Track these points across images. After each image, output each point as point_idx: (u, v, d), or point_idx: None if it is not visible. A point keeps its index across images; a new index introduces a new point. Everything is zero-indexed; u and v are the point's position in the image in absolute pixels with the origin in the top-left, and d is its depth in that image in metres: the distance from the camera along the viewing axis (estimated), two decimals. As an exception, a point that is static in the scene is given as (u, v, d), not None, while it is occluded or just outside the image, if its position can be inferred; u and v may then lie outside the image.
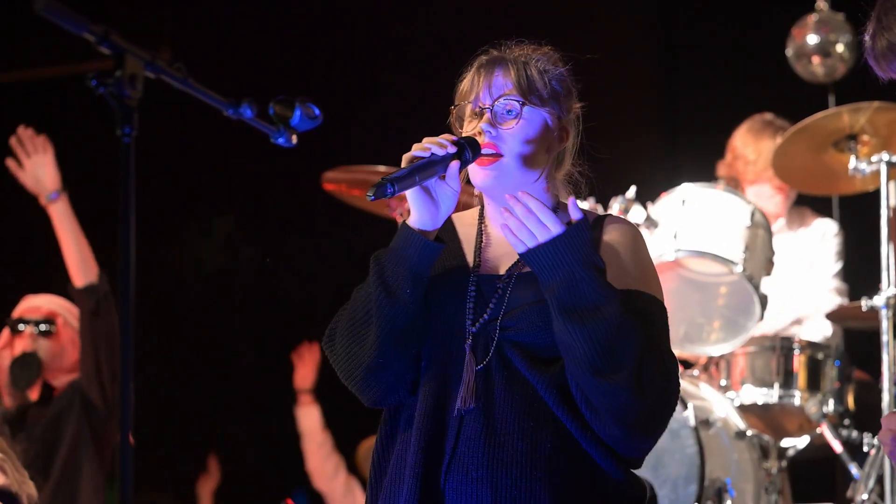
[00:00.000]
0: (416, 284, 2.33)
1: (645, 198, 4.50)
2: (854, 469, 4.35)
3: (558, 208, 2.48)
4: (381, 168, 4.54)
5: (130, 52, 1.78)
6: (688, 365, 4.86)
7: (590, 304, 2.22)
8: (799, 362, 4.58)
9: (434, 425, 2.33)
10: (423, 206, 2.36)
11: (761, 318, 4.43)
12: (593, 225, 2.43)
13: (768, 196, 5.09)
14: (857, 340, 5.06)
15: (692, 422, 4.12)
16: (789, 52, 5.65)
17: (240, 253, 6.78)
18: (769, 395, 4.56)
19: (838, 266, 5.14)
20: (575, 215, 2.28)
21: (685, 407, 4.12)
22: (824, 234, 5.16)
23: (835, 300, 5.03)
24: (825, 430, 4.45)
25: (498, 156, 2.40)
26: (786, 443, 4.58)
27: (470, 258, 2.47)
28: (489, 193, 2.48)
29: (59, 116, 6.72)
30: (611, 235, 2.43)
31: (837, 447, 4.42)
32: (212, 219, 6.60)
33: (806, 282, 5.10)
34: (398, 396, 2.40)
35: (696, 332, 4.55)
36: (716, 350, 4.56)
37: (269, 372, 6.19)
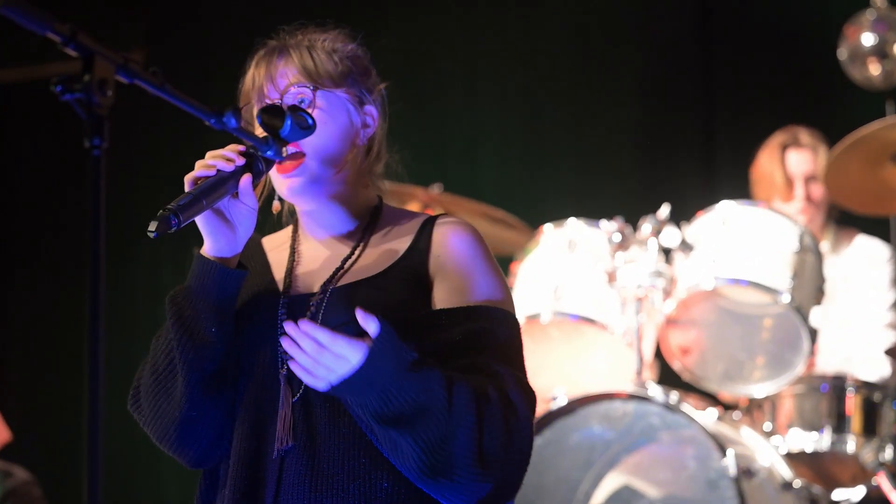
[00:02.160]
0: (221, 321, 2.27)
1: (679, 218, 4.50)
2: (915, 525, 4.33)
3: (381, 210, 2.45)
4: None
5: (100, 53, 1.77)
6: (728, 407, 4.84)
7: (412, 410, 2.12)
8: (853, 404, 4.56)
9: (251, 472, 2.26)
10: (216, 232, 2.28)
11: (811, 353, 4.42)
12: (420, 230, 2.39)
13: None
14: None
15: (732, 471, 4.09)
16: (842, 54, 5.63)
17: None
18: (819, 442, 4.54)
19: (893, 296, 5.11)
20: (370, 329, 2.12)
21: (724, 454, 4.11)
22: (873, 257, 5.14)
23: (891, 335, 5.01)
24: (883, 480, 4.42)
25: (299, 156, 2.33)
26: (838, 495, 4.55)
27: (280, 281, 2.40)
28: (300, 203, 2.40)
29: (17, 126, 6.74)
30: (441, 241, 2.36)
31: (897, 500, 4.41)
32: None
33: (857, 313, 5.08)
34: (222, 450, 2.33)
35: (737, 369, 4.54)
36: (759, 390, 4.55)
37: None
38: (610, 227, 4.47)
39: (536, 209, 5.68)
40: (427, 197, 5.02)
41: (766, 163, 5.16)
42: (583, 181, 6.15)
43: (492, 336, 2.26)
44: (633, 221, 4.46)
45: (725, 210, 4.47)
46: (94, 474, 1.70)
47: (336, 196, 2.40)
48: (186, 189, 2.22)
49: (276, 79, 2.37)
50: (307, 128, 2.25)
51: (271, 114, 2.24)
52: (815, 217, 5.14)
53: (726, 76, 6.11)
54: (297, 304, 2.33)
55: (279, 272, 2.42)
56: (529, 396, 2.23)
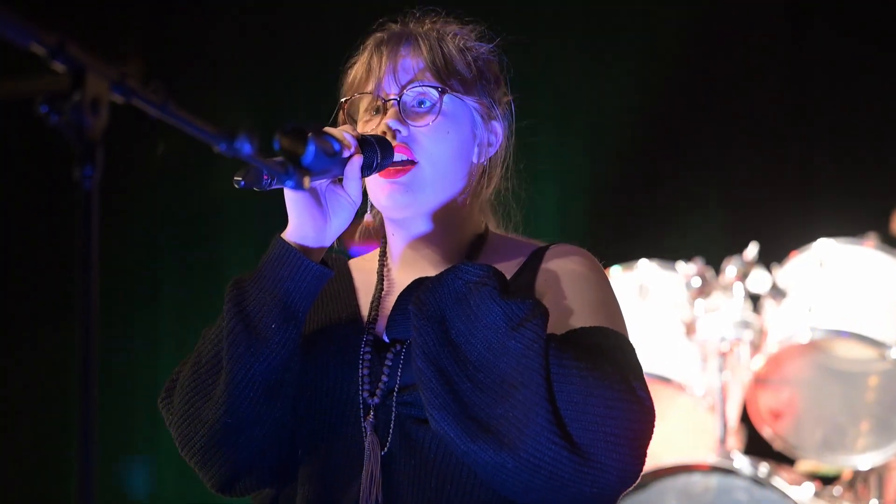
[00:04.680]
0: (286, 320, 2.21)
1: (770, 258, 4.48)
2: None
3: (486, 237, 2.41)
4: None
5: (92, 67, 1.77)
6: (828, 480, 4.81)
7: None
8: (976, 479, 4.54)
9: None
10: (305, 213, 2.23)
11: (925, 418, 4.40)
12: (528, 259, 2.36)
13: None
14: None
15: (833, 558, 4.07)
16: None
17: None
18: (936, 522, 4.52)
19: None
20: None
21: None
22: None
23: None
24: None
25: (411, 163, 2.29)
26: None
27: (365, 310, 2.38)
28: (396, 217, 2.37)
29: None
30: (554, 263, 2.33)
31: None
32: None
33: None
34: (256, 480, 2.28)
35: (838, 436, 4.51)
36: (864, 461, 4.52)
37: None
38: (688, 270, 4.47)
39: (601, 248, 5.66)
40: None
41: None
42: (656, 216, 6.12)
43: (609, 349, 2.18)
44: (715, 263, 4.45)
45: (824, 249, 4.47)
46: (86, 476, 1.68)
47: (440, 217, 2.37)
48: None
49: (398, 70, 2.34)
50: (333, 154, 2.23)
51: (291, 137, 2.23)
52: None
53: (824, 97, 6.08)
54: (383, 345, 2.30)
55: (365, 300, 2.41)
56: (650, 401, 2.14)
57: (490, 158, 2.42)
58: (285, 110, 5.89)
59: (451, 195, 2.35)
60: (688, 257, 4.54)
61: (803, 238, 4.57)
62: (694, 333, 4.42)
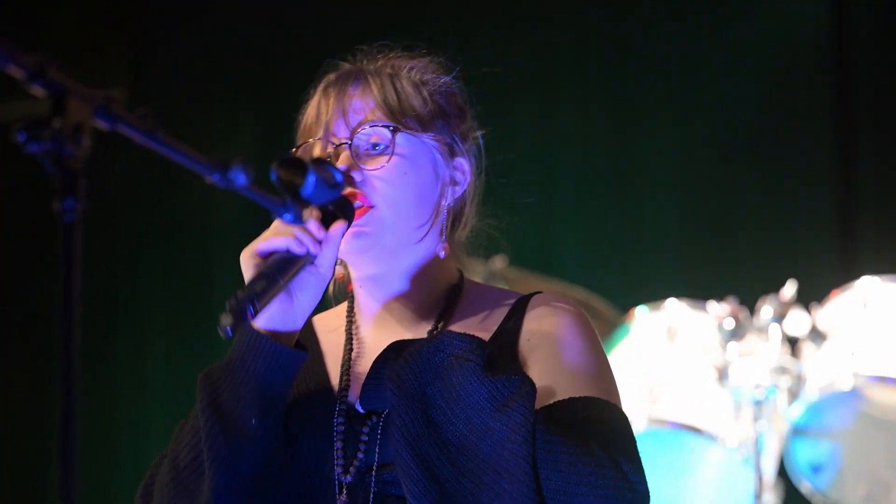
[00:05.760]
0: (266, 411, 2.21)
1: (809, 298, 4.47)
2: None
3: (462, 288, 2.40)
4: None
5: (74, 92, 1.75)
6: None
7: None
8: None
9: None
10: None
11: (979, 473, 4.38)
12: (510, 312, 2.35)
13: None
14: None
15: None
16: None
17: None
18: None
19: None
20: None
21: None
22: None
23: None
24: None
25: (366, 206, 2.30)
26: None
27: (335, 376, 2.37)
28: (362, 263, 2.37)
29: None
30: (534, 321, 2.32)
31: None
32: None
33: None
34: None
35: (884, 492, 4.50)
36: (912, 519, 4.49)
37: None
38: (720, 311, 4.46)
39: (626, 288, 5.66)
40: (487, 272, 5.00)
41: None
42: (685, 252, 6.11)
43: (600, 425, 2.17)
44: (749, 303, 4.44)
45: (868, 288, 4.46)
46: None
47: (408, 266, 2.37)
48: (247, 264, 2.20)
49: (347, 112, 2.34)
50: (335, 185, 2.22)
51: (289, 168, 2.22)
52: None
53: (867, 120, 6.07)
54: (357, 416, 2.30)
55: (333, 363, 2.40)
56: (643, 486, 2.15)
57: (457, 198, 2.42)
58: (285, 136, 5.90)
59: (416, 240, 2.34)
60: (720, 296, 4.53)
61: (845, 276, 4.56)
62: (726, 380, 4.41)
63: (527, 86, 6.37)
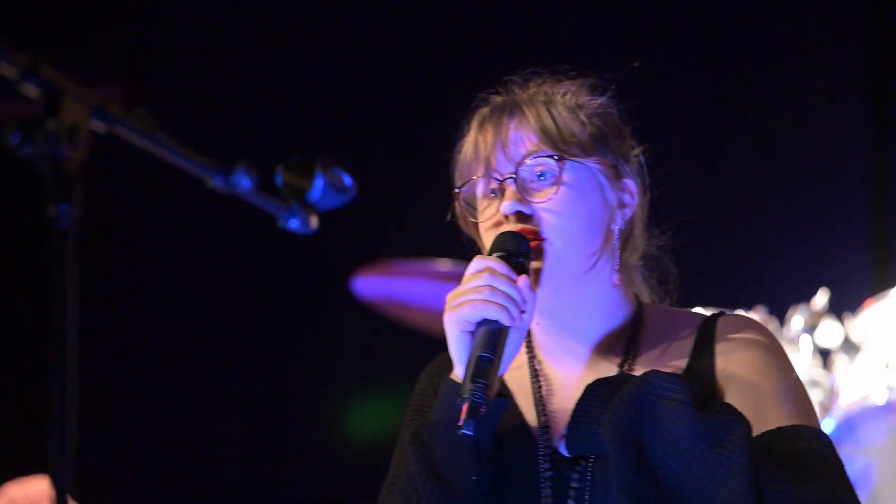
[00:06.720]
0: (481, 465, 2.27)
1: (841, 308, 4.46)
2: None
3: (642, 315, 2.43)
4: (446, 263, 4.53)
5: (70, 92, 1.76)
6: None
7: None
8: None
9: None
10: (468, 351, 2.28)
11: None
12: (697, 338, 2.38)
13: None
14: None
15: None
16: None
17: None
18: None
19: None
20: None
21: None
22: None
23: None
24: None
25: (538, 238, 2.33)
26: None
27: (531, 415, 2.40)
28: (540, 297, 2.37)
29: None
30: (731, 344, 2.36)
31: None
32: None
33: None
34: None
35: (920, 512, 4.47)
36: (951, 542, 4.47)
37: None
38: (754, 316, 4.44)
39: (652, 298, 5.64)
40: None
41: None
42: (710, 259, 6.09)
43: (812, 456, 2.23)
44: (779, 313, 4.42)
45: (904, 298, 4.43)
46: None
47: (584, 298, 2.40)
48: (454, 330, 2.24)
49: (507, 146, 2.37)
50: (344, 189, 2.23)
51: (296, 171, 2.22)
52: None
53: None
54: (562, 459, 2.33)
55: (524, 402, 2.42)
56: None
57: (627, 221, 2.45)
58: (293, 145, 5.90)
59: (588, 268, 2.37)
60: (748, 306, 4.52)
61: (879, 285, 4.55)
62: (755, 393, 4.40)
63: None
